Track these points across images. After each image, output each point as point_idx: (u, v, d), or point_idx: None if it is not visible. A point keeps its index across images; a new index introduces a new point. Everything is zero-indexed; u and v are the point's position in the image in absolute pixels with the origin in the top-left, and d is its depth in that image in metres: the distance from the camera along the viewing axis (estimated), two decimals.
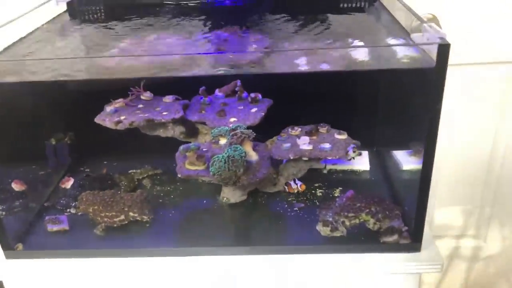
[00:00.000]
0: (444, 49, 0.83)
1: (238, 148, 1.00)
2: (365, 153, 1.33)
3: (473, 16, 1.41)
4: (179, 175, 1.06)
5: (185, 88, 1.28)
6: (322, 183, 1.24)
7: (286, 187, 1.20)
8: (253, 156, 1.05)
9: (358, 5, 1.36)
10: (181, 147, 1.06)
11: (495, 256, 1.73)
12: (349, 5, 1.36)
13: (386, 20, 1.21)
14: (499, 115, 1.55)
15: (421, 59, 0.97)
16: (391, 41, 1.08)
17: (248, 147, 1.04)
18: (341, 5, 1.37)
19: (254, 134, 1.05)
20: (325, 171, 1.29)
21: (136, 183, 1.28)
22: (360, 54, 1.05)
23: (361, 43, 1.06)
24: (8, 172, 1.23)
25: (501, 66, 1.48)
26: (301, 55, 1.08)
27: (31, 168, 1.29)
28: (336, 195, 1.20)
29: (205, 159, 1.06)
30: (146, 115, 1.14)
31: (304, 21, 1.25)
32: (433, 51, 0.88)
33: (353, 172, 1.29)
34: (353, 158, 1.12)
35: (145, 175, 1.31)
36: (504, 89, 1.51)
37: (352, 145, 1.11)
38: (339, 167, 1.30)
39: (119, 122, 1.12)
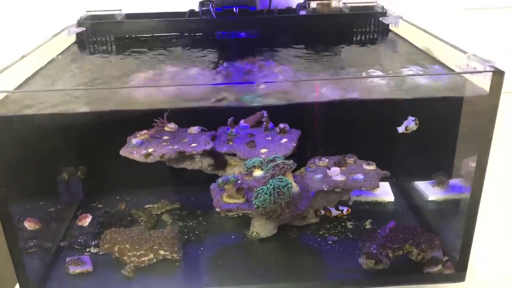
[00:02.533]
0: (498, 76, 0.85)
1: (284, 180, 0.96)
2: (387, 184, 1.33)
3: None
4: (217, 209, 1.00)
5: (206, 119, 1.24)
6: (350, 215, 1.21)
7: (322, 211, 1.18)
8: (295, 187, 1.02)
9: (370, 37, 1.40)
10: (220, 180, 1.01)
11: None
12: (362, 37, 1.39)
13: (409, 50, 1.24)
14: None
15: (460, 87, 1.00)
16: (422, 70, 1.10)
17: (290, 179, 1.01)
18: (354, 38, 1.40)
19: (296, 164, 1.03)
20: (350, 203, 1.27)
21: (156, 218, 1.21)
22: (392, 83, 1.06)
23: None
24: (17, 210, 1.13)
25: None
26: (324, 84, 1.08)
27: (40, 205, 1.19)
28: (367, 227, 1.18)
29: (244, 192, 1.01)
30: (175, 147, 1.08)
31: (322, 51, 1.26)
32: (478, 80, 0.90)
33: (378, 203, 1.28)
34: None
35: (163, 210, 1.25)
36: None
37: (413, 118, 1.12)
38: (363, 198, 1.28)
39: (148, 154, 1.06)
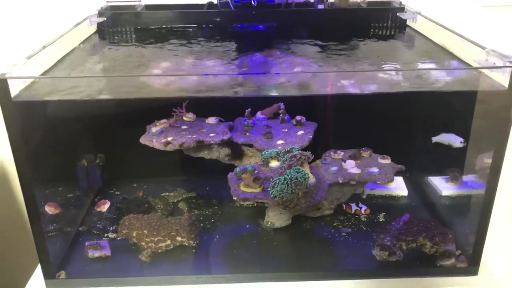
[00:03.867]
0: None
1: (301, 170, 0.98)
2: (401, 179, 1.33)
3: None
4: (234, 198, 1.02)
5: (223, 110, 1.26)
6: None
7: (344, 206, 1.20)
8: (311, 178, 1.03)
9: (388, 32, 1.40)
10: (238, 169, 1.03)
11: None
12: (380, 32, 1.40)
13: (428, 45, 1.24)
14: None
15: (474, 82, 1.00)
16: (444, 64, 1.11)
17: (307, 169, 1.02)
18: (372, 32, 1.40)
19: (313, 156, 1.04)
20: (363, 196, 1.28)
21: (172, 206, 1.23)
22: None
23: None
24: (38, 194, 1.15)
25: None
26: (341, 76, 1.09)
27: (59, 190, 1.22)
28: (381, 220, 1.19)
29: (261, 181, 1.03)
30: (194, 136, 1.10)
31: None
32: (496, 75, 0.91)
33: (391, 197, 1.29)
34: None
35: (180, 198, 1.27)
36: None
37: (461, 140, 1.16)
38: (377, 192, 1.29)
39: (168, 143, 1.08)
